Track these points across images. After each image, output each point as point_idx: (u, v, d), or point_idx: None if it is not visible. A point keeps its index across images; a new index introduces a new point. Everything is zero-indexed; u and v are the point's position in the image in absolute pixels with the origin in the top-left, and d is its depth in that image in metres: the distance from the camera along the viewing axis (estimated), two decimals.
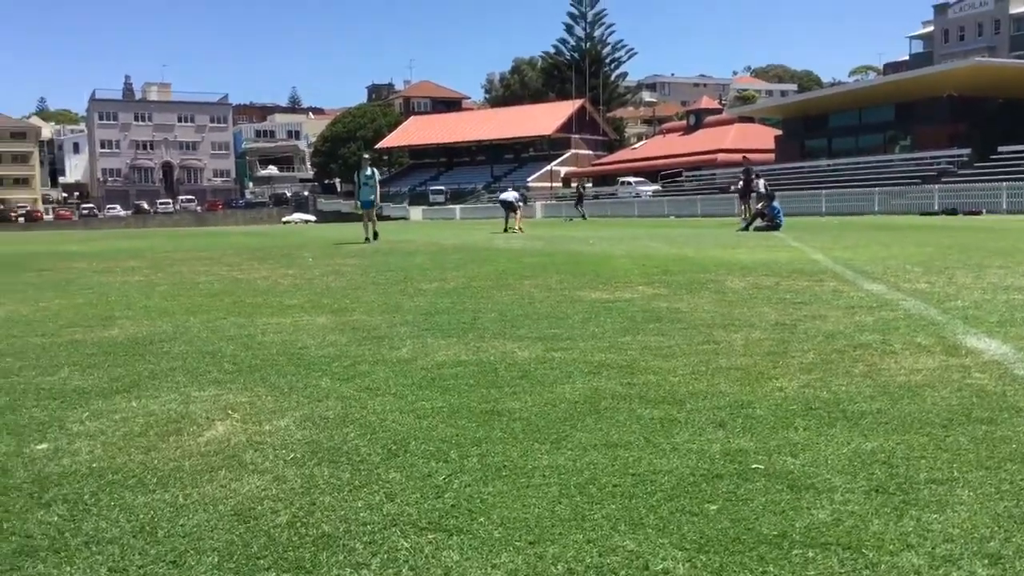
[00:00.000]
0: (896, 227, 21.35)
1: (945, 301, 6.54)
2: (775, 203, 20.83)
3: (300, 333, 5.80)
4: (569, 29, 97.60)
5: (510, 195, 29.12)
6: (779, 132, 60.45)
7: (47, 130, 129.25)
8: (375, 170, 20.17)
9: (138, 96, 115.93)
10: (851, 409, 3.48)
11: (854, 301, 6.64)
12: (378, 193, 20.07)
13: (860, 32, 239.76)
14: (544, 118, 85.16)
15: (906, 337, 5.02)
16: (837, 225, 24.20)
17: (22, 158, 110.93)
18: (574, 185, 57.67)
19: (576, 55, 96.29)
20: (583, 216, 42.64)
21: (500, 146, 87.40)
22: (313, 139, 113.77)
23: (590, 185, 68.61)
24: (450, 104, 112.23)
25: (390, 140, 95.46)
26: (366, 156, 21.62)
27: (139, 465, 2.97)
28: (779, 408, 3.52)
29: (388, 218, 63.97)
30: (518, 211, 28.13)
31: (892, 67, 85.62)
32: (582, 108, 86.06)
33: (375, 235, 19.29)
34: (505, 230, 26.04)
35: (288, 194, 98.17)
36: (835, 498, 2.52)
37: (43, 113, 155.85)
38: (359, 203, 20.24)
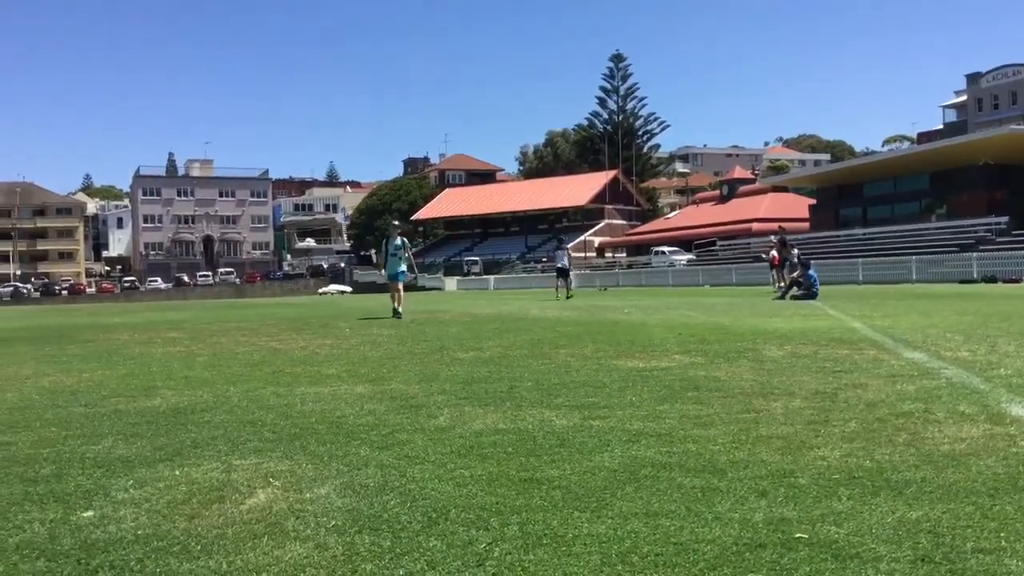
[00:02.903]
0: (935, 295, 21.11)
1: (987, 369, 6.45)
2: (811, 271, 20.73)
3: (338, 402, 5.84)
4: (602, 102, 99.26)
5: (565, 260, 28.97)
6: (813, 201, 60.44)
7: (92, 206, 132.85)
8: (405, 240, 17.74)
9: (181, 172, 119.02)
10: (895, 478, 3.44)
11: (895, 370, 6.57)
12: (411, 263, 17.68)
13: (892, 102, 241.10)
14: (578, 189, 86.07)
15: (949, 406, 4.96)
16: (875, 293, 23.99)
17: (67, 233, 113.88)
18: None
19: (609, 127, 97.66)
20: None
21: (534, 217, 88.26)
22: (350, 212, 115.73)
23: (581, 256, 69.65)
24: (484, 176, 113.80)
25: (425, 212, 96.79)
26: (396, 223, 18.94)
27: (183, 532, 3.00)
28: (822, 477, 3.49)
29: (423, 288, 64.46)
30: (570, 277, 28.17)
31: (926, 136, 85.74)
32: (615, 179, 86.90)
33: (400, 314, 16.30)
34: (557, 298, 26.18)
35: (325, 266, 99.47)
36: (880, 567, 2.48)
37: (89, 189, 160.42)
38: (387, 275, 17.55)
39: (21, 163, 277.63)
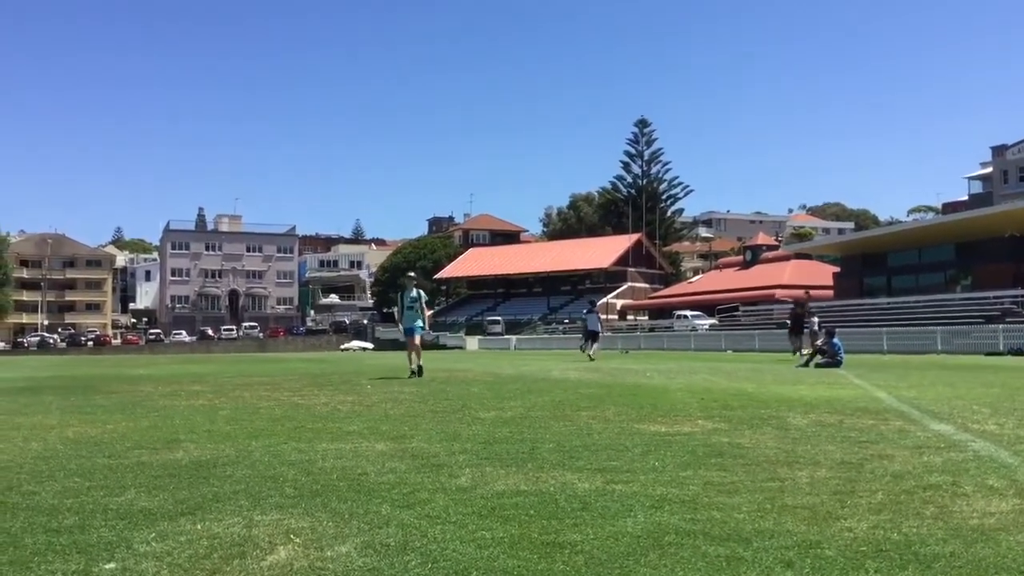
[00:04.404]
0: (961, 366, 20.85)
1: (1016, 443, 6.35)
2: (836, 339, 20.56)
3: (360, 459, 5.83)
4: (626, 167, 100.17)
5: (597, 323, 29.60)
6: (837, 269, 60.22)
7: (121, 258, 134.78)
8: (421, 292, 16.95)
9: (210, 227, 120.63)
10: (923, 552, 3.38)
11: (921, 441, 6.49)
12: (425, 318, 16.70)
13: (917, 172, 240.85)
14: (601, 251, 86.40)
15: (977, 479, 4.88)
16: (899, 363, 23.72)
17: (96, 284, 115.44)
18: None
19: (633, 191, 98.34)
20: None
21: (557, 278, 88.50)
22: (374, 269, 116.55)
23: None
24: (508, 237, 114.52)
25: (449, 270, 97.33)
26: (411, 275, 18.05)
27: None
28: (849, 549, 3.44)
29: (444, 347, 64.45)
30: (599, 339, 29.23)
31: (951, 207, 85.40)
32: (639, 242, 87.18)
33: (420, 369, 15.96)
34: (591, 358, 26.81)
35: (347, 321, 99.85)
36: None
37: (119, 242, 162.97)
38: (403, 329, 16.49)
39: (55, 215, 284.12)
